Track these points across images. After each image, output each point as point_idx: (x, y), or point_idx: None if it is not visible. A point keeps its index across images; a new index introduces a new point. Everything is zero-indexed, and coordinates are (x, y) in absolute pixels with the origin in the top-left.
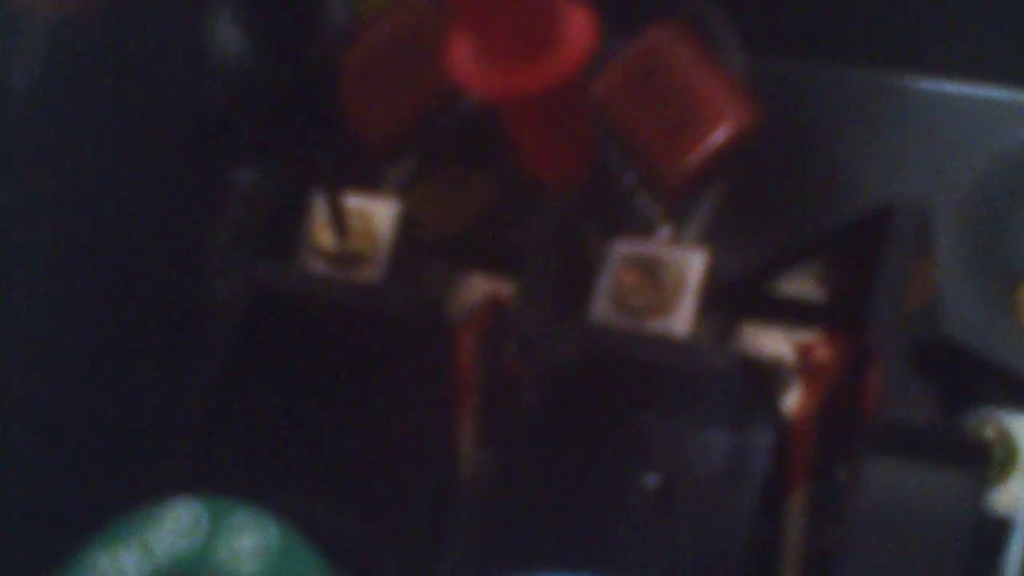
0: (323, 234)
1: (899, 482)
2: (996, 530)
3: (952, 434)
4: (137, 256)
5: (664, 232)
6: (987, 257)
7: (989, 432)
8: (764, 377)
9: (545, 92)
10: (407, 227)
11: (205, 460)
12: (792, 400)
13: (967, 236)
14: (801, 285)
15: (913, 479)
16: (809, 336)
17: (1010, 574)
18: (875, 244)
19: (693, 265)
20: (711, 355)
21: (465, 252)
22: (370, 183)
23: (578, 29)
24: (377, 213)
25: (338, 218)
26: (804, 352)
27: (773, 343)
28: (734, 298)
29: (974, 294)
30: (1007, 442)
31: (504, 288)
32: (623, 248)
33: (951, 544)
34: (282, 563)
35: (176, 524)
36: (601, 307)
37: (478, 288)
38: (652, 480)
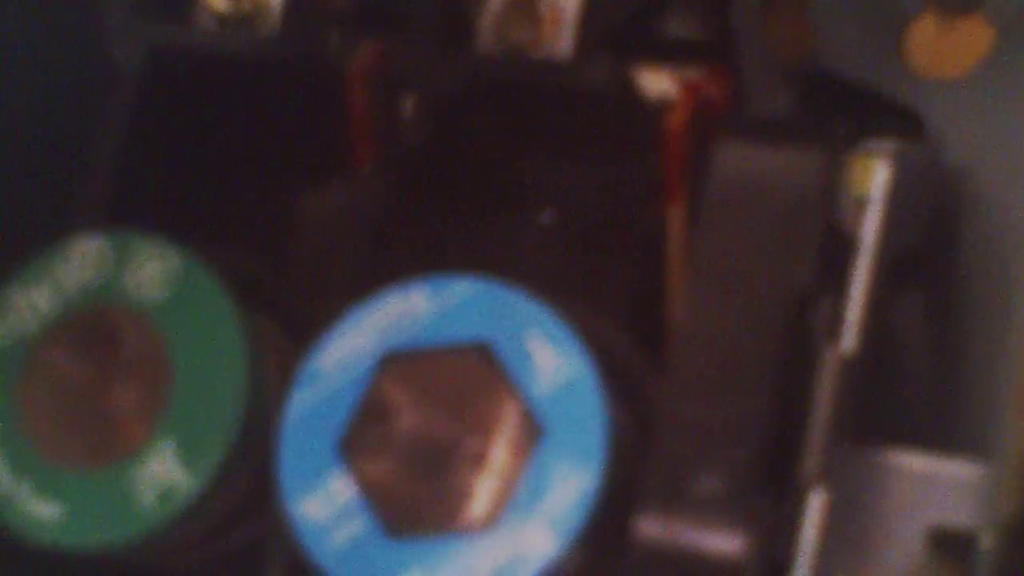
0: None
1: (750, 160)
2: None
3: (808, 122)
4: (31, 23)
5: None
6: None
7: (873, 160)
8: (649, 113)
9: None
10: None
11: (113, 217)
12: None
13: None
14: (690, 24)
15: (764, 157)
16: (696, 74)
17: (865, 251)
18: None
19: None
20: (591, 90)
21: (365, 19)
22: None
23: None
24: None
25: None
26: (690, 88)
27: (662, 83)
28: (622, 39)
29: (862, 37)
30: None
31: None
32: None
33: (803, 217)
34: (185, 288)
35: (83, 258)
36: (483, 45)
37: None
38: (547, 216)
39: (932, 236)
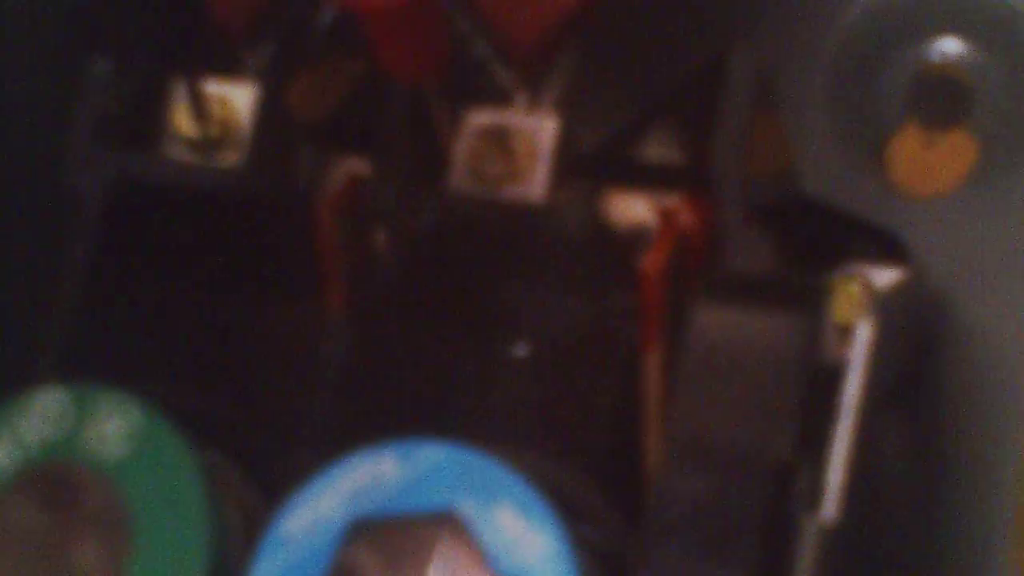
0: (184, 121)
1: (729, 328)
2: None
3: (787, 280)
4: None
5: (520, 101)
6: (855, 115)
7: (855, 287)
8: (624, 242)
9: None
10: (270, 111)
11: (75, 353)
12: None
13: (834, 94)
14: (666, 149)
15: (743, 324)
16: (672, 201)
17: (845, 415)
18: (716, 95)
19: (545, 131)
20: (565, 220)
21: (337, 136)
22: (229, 69)
23: None
24: (237, 98)
25: (198, 104)
26: (666, 216)
27: (638, 209)
28: (596, 166)
29: (842, 153)
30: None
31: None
32: (477, 119)
33: (783, 387)
34: (148, 444)
35: (43, 413)
36: (457, 178)
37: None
38: (521, 349)
39: (916, 363)
